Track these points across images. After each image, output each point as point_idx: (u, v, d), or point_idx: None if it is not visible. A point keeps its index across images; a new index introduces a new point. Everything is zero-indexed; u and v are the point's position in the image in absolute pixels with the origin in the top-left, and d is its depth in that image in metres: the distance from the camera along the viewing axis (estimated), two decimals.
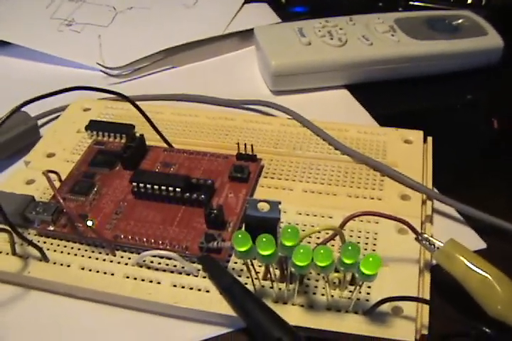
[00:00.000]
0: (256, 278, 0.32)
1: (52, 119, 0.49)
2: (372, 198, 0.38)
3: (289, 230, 0.28)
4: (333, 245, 0.34)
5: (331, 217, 0.37)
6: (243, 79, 0.54)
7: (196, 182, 0.37)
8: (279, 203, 0.32)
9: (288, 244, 0.28)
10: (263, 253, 0.28)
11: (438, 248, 0.32)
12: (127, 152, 0.40)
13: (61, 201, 0.35)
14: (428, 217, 0.37)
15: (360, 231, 0.36)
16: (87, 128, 0.43)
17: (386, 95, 0.51)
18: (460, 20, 0.54)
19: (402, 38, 0.51)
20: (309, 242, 0.35)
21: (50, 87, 0.35)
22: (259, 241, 0.28)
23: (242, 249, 0.29)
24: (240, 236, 0.29)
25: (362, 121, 0.47)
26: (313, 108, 0.47)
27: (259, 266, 0.33)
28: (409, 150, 0.42)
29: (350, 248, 0.28)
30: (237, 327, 0.33)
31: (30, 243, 0.35)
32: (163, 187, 0.37)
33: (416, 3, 0.62)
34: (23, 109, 0.33)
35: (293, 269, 0.29)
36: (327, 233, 0.35)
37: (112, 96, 0.43)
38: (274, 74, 0.50)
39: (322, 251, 0.28)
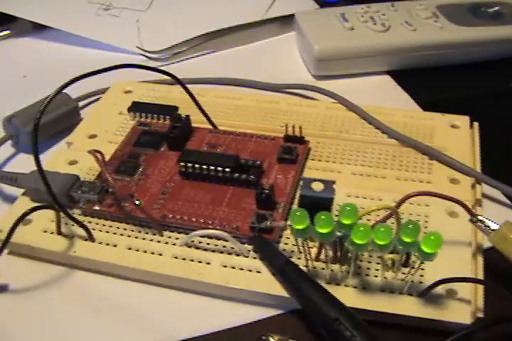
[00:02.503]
0: (308, 259, 0.32)
1: (93, 102, 0.49)
2: (422, 181, 0.38)
3: (348, 208, 0.28)
4: None
5: (380, 199, 0.36)
6: (284, 64, 0.54)
7: (245, 163, 0.37)
8: (334, 183, 0.32)
9: (347, 222, 0.28)
10: (321, 231, 0.28)
11: (493, 230, 0.31)
12: (174, 132, 0.39)
13: (109, 178, 0.35)
14: (478, 200, 0.36)
15: (411, 214, 0.35)
16: (129, 109, 0.43)
17: (429, 81, 0.50)
18: (503, 7, 0.53)
19: (445, 24, 0.50)
20: None
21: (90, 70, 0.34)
22: (317, 219, 0.28)
23: (300, 227, 0.28)
24: (298, 213, 0.28)
25: (405, 107, 0.47)
26: (355, 93, 0.46)
27: (310, 248, 0.32)
28: (457, 135, 0.41)
29: (410, 226, 0.27)
30: (288, 308, 0.33)
31: (78, 222, 0.35)
32: (211, 167, 0.36)
33: None
34: (63, 91, 0.32)
35: (351, 247, 0.28)
36: (378, 215, 0.34)
37: (153, 79, 0.42)
38: (318, 58, 0.49)
39: (383, 229, 0.27)
